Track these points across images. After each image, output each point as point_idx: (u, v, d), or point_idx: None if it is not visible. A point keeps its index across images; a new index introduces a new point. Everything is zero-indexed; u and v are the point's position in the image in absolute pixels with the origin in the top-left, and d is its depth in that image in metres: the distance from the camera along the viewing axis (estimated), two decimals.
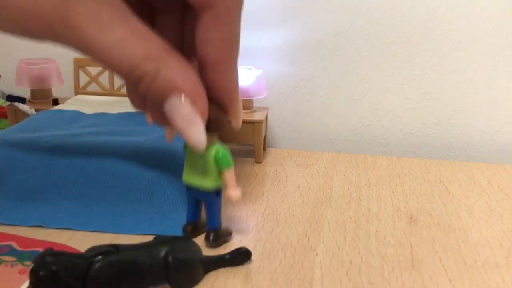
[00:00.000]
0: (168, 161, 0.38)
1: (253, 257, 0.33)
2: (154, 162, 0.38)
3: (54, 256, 0.27)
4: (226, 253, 0.32)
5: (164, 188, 0.38)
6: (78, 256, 0.28)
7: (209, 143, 0.31)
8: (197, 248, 0.31)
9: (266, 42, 0.55)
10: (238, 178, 0.47)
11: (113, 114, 0.47)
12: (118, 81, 0.56)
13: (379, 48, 0.54)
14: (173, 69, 0.26)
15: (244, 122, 0.51)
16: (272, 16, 0.54)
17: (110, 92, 0.56)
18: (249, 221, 0.39)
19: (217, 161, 0.32)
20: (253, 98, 0.52)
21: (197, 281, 0.30)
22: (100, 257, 0.28)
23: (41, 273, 0.26)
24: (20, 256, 0.32)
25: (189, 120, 0.27)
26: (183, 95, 0.27)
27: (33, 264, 0.27)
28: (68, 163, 0.38)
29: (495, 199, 0.44)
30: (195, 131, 0.27)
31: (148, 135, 0.42)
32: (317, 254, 0.34)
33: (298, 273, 0.32)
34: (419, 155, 0.57)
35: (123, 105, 0.51)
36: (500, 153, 0.56)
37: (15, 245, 0.33)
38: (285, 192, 0.44)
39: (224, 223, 0.36)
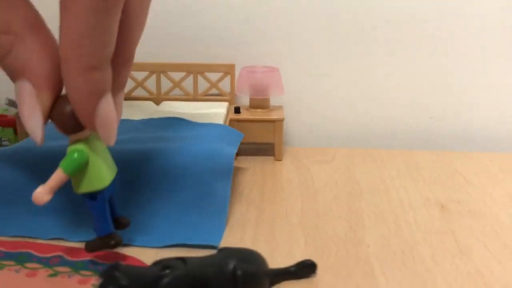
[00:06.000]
0: (208, 170, 0.38)
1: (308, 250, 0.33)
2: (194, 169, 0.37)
3: (123, 271, 0.26)
4: (291, 265, 0.32)
5: (203, 197, 0.37)
6: (146, 270, 0.27)
7: (73, 142, 0.27)
8: (263, 260, 0.30)
9: (281, 42, 0.56)
10: (262, 175, 0.47)
11: (137, 121, 0.46)
12: None
13: (389, 46, 0.56)
14: (30, 50, 0.24)
15: (263, 121, 0.51)
16: (286, 15, 0.55)
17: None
18: (290, 217, 0.39)
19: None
20: (270, 96, 0.52)
21: None
22: (168, 271, 0.27)
23: None
24: (74, 266, 0.31)
25: (30, 110, 0.25)
26: (29, 82, 0.24)
27: (102, 279, 0.26)
28: None
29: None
30: (33, 123, 0.25)
31: (185, 140, 0.41)
32: (368, 246, 0.35)
33: (356, 265, 0.32)
34: (431, 147, 0.59)
35: (145, 111, 0.50)
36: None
37: (65, 255, 0.32)
38: (315, 188, 0.44)
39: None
